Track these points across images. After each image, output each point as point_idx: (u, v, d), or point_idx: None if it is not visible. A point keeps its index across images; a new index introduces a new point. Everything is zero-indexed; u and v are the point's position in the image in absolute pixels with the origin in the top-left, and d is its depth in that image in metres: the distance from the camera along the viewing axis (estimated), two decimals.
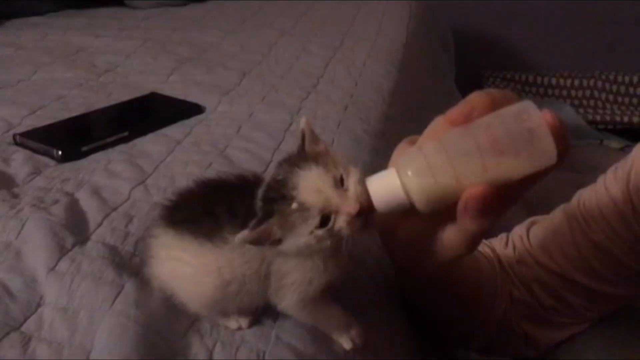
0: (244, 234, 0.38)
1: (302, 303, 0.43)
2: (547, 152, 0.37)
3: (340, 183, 0.40)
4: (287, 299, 0.43)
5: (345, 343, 0.46)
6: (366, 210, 0.39)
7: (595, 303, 0.61)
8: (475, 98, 0.40)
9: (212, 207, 0.42)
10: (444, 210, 0.40)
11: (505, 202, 0.40)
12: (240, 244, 0.39)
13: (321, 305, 0.44)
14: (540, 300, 0.61)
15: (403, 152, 0.43)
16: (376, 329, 0.50)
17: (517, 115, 0.38)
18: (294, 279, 0.42)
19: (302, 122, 0.42)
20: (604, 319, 0.62)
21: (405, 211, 0.41)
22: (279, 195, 0.40)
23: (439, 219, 0.43)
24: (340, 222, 0.39)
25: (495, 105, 0.39)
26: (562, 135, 0.38)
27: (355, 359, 0.47)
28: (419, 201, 0.39)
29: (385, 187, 0.40)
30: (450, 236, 0.43)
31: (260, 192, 0.41)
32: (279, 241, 0.40)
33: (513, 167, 0.38)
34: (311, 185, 0.39)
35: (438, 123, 0.42)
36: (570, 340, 0.63)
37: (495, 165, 0.38)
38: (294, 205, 0.39)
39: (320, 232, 0.39)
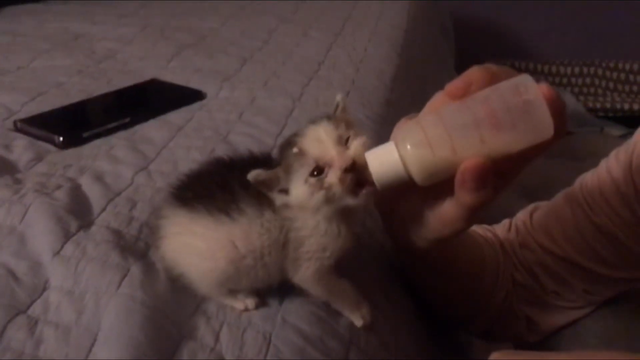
0: (256, 172, 0.40)
1: (318, 274, 0.44)
2: (543, 125, 0.37)
3: (344, 142, 0.41)
4: (304, 269, 0.43)
5: (357, 320, 0.47)
6: (359, 169, 0.40)
7: (598, 286, 0.61)
8: (474, 72, 0.40)
9: (226, 181, 0.42)
10: (442, 184, 0.40)
11: (503, 176, 0.41)
12: (259, 214, 0.41)
13: (335, 280, 0.45)
14: (542, 284, 0.61)
15: (402, 127, 0.43)
16: (380, 312, 0.51)
17: (514, 89, 0.38)
18: (309, 247, 0.43)
19: (339, 97, 0.45)
20: (606, 303, 0.63)
21: (405, 186, 0.41)
22: (288, 142, 0.42)
23: (438, 194, 0.43)
24: (332, 176, 0.40)
25: (493, 80, 0.39)
26: (559, 109, 0.38)
27: (359, 341, 0.47)
28: (417, 174, 0.40)
29: (384, 160, 0.40)
30: (449, 210, 0.44)
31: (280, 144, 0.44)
32: (285, 191, 0.41)
33: (510, 140, 0.38)
34: (314, 135, 0.41)
35: (437, 98, 0.42)
36: (572, 325, 0.63)
37: (492, 137, 0.38)
38: (295, 150, 0.41)
39: (312, 179, 0.40)
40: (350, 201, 0.41)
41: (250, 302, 0.45)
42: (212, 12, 1.43)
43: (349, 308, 0.47)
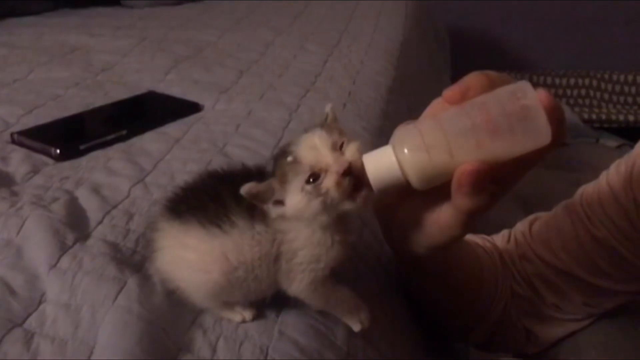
0: (249, 185, 0.39)
1: (312, 285, 0.43)
2: (541, 131, 0.38)
3: (339, 148, 0.41)
4: (298, 281, 0.43)
5: (354, 325, 0.46)
6: (356, 173, 0.40)
7: (597, 299, 0.61)
8: (472, 78, 0.40)
9: (218, 193, 0.42)
10: (440, 189, 0.40)
11: (500, 183, 0.41)
12: (250, 227, 0.41)
13: (331, 288, 0.45)
14: (542, 296, 0.61)
15: (400, 130, 0.43)
16: (378, 324, 0.50)
17: (512, 94, 0.38)
18: (303, 258, 0.42)
19: (328, 107, 0.44)
20: (606, 315, 0.62)
21: (403, 191, 0.41)
22: (282, 152, 0.42)
23: (435, 199, 0.43)
24: (328, 182, 0.40)
25: (491, 85, 0.40)
26: (558, 115, 0.38)
27: (357, 353, 0.47)
28: (414, 178, 0.40)
29: (381, 163, 0.40)
30: (445, 215, 0.43)
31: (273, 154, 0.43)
32: (281, 203, 0.41)
33: (507, 146, 0.38)
34: (308, 143, 0.41)
35: (436, 103, 0.42)
36: (572, 337, 0.63)
37: (489, 143, 0.38)
38: (289, 159, 0.41)
39: (309, 187, 0.40)
40: (348, 206, 0.41)
41: (248, 313, 0.45)
42: (209, 25, 1.44)
43: (347, 314, 0.46)
